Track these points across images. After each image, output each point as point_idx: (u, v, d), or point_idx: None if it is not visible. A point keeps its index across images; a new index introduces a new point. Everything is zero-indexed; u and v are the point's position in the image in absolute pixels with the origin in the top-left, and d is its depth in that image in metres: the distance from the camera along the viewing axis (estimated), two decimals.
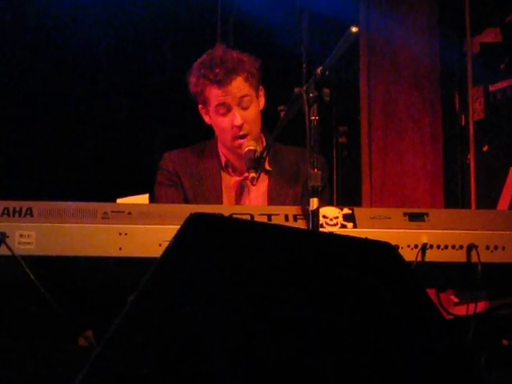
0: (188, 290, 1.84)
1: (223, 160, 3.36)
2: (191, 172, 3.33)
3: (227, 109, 3.25)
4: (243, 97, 3.24)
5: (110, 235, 2.51)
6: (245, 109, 3.25)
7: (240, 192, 3.33)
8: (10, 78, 5.15)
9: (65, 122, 5.33)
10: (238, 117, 3.23)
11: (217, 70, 3.22)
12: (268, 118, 3.31)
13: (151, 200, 3.39)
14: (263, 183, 3.29)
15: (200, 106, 3.34)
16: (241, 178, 3.34)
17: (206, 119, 3.35)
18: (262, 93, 3.35)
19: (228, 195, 3.32)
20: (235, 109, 3.24)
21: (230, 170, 3.36)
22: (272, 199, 3.28)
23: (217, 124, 3.31)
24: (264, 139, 3.37)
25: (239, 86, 3.24)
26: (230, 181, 3.35)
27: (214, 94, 3.25)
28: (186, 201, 3.28)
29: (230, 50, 3.34)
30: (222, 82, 3.22)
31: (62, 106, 5.32)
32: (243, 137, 3.24)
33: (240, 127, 3.23)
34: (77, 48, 5.21)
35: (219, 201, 3.29)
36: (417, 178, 4.98)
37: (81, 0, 5.17)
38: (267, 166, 3.33)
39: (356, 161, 5.17)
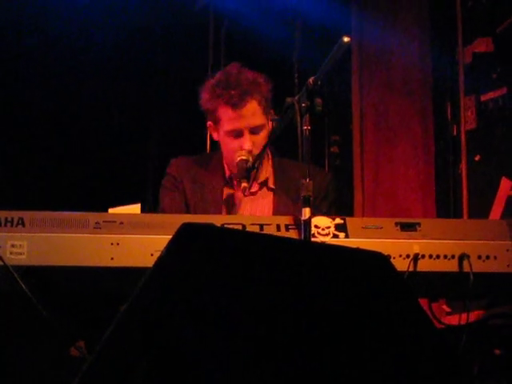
0: (180, 300, 1.84)
1: (227, 173, 3.39)
2: (194, 179, 3.36)
3: (239, 133, 3.26)
4: (256, 127, 3.26)
5: (102, 245, 2.51)
6: (255, 133, 3.27)
7: (237, 206, 3.33)
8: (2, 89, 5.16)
9: (57, 133, 5.33)
10: (248, 142, 3.24)
11: (232, 92, 3.22)
12: None
13: (143, 209, 3.41)
14: (267, 199, 3.32)
15: (210, 122, 3.35)
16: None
17: (214, 136, 3.38)
18: (271, 116, 3.36)
19: (226, 209, 3.33)
20: (246, 134, 3.25)
21: (235, 183, 3.36)
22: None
23: (225, 144, 3.32)
24: (270, 154, 3.41)
25: (253, 109, 3.25)
26: (231, 196, 3.36)
27: (227, 116, 3.25)
28: (187, 206, 3.31)
29: (245, 70, 3.33)
30: (236, 105, 3.23)
31: (54, 115, 5.32)
32: None
33: (249, 152, 3.24)
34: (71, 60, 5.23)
35: (218, 212, 3.29)
36: (409, 188, 4.98)
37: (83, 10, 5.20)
38: (271, 184, 3.37)
39: (348, 170, 5.17)
